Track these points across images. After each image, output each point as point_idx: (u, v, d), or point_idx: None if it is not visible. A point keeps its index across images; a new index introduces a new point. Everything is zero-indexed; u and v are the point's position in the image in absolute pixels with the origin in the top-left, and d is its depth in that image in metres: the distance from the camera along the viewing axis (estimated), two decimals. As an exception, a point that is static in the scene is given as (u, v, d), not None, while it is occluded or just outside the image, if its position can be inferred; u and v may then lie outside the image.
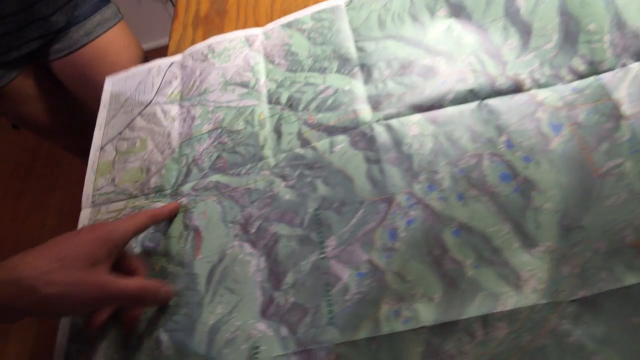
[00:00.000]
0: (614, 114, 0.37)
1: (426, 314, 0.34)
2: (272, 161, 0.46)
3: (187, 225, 0.45)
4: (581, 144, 0.37)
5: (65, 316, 0.43)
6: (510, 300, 0.33)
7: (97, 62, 0.76)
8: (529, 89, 0.41)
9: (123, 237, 0.39)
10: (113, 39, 0.77)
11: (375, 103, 0.45)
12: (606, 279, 0.31)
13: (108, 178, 0.51)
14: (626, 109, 0.37)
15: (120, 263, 0.40)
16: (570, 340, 0.30)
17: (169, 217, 0.45)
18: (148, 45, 1.47)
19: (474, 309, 0.33)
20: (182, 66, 0.57)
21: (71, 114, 0.87)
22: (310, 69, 0.50)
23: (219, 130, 0.49)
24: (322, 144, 0.45)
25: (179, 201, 0.46)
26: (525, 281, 0.33)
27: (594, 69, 0.40)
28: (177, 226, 0.45)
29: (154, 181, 0.49)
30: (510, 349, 0.31)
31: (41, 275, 0.33)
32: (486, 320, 0.32)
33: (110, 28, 0.76)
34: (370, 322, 0.35)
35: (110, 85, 0.60)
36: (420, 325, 0.34)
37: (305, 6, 0.55)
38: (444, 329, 0.33)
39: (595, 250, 0.32)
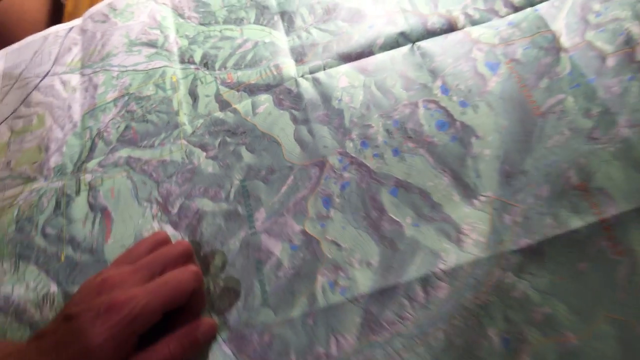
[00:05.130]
0: (553, 47, 0.34)
1: (364, 281, 0.31)
2: (188, 128, 0.40)
3: (92, 206, 0.39)
4: (520, 82, 0.34)
5: None
6: (450, 257, 0.30)
7: (16, 18, 0.63)
8: (463, 27, 0.37)
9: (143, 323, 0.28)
10: None
11: (299, 55, 0.41)
12: (551, 225, 0.29)
13: (3, 162, 0.44)
14: (565, 40, 0.34)
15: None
16: (514, 295, 0.28)
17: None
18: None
19: (414, 270, 0.30)
20: (82, 30, 0.49)
21: None
22: (226, 21, 0.44)
23: (126, 98, 0.43)
24: (243, 105, 0.40)
25: (82, 178, 0.40)
26: (466, 235, 0.30)
27: (530, 0, 0.36)
28: (81, 207, 0.39)
29: (54, 160, 0.43)
30: (452, 309, 0.28)
31: None
32: (427, 281, 0.30)
33: None
34: (306, 297, 0.31)
35: (3, 58, 0.52)
36: (357, 293, 0.30)
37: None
38: (383, 295, 0.30)
39: (539, 196, 0.30)
